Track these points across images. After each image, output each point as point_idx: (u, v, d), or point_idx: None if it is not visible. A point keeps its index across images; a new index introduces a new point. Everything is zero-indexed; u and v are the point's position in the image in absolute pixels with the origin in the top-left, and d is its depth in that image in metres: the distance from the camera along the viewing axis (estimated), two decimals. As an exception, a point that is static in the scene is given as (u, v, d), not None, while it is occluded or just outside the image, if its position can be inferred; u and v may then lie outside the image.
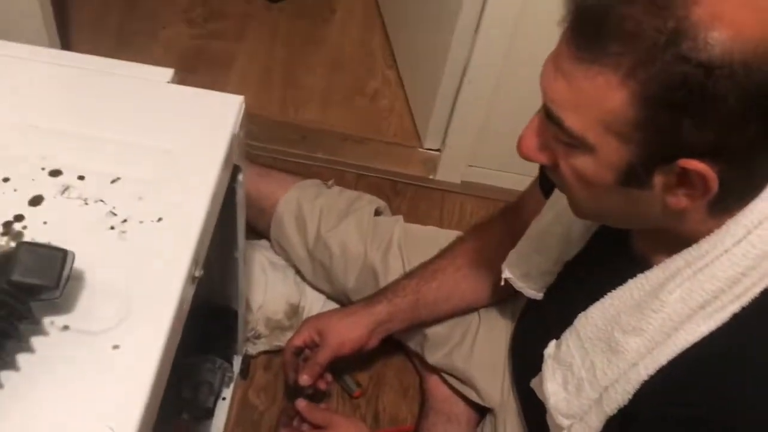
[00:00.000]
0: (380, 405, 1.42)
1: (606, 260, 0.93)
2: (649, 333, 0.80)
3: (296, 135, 1.82)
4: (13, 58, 0.89)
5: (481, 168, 1.76)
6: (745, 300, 0.75)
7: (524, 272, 1.09)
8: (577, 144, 0.72)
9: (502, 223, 1.27)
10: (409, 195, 1.77)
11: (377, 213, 1.44)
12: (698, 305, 0.77)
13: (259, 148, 1.74)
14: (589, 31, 0.67)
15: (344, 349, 1.23)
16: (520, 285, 1.10)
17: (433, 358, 1.32)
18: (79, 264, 0.68)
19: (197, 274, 0.76)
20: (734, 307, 0.75)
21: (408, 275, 1.28)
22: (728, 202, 0.73)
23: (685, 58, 0.62)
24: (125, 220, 0.76)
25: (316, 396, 1.30)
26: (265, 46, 2.01)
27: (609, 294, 0.87)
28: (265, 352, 1.42)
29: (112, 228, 0.75)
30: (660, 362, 0.79)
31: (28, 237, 0.73)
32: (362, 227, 1.39)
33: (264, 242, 1.49)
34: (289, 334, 1.36)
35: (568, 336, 0.92)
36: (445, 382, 1.34)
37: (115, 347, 0.67)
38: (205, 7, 2.07)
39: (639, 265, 0.84)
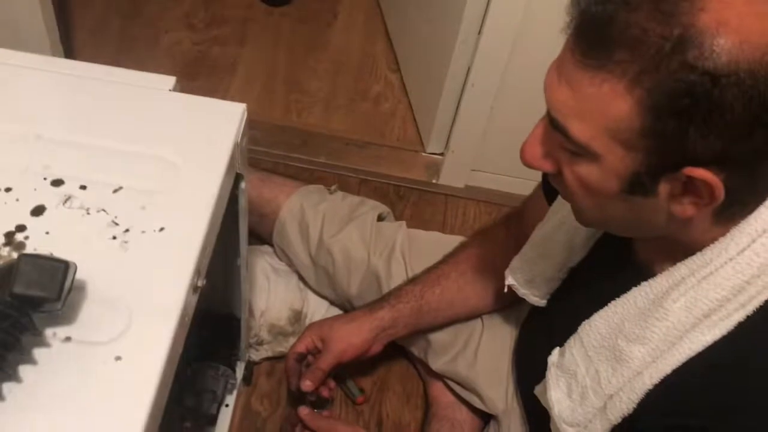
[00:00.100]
0: (384, 411, 1.41)
1: (609, 268, 0.92)
2: (654, 342, 0.80)
3: (298, 139, 1.82)
4: (16, 67, 0.89)
5: (484, 172, 1.75)
6: (749, 309, 0.75)
7: (528, 279, 1.09)
8: (581, 152, 0.71)
9: (505, 228, 1.27)
10: (413, 199, 1.77)
11: (380, 218, 1.44)
12: (702, 314, 0.76)
13: (261, 153, 1.74)
14: (593, 38, 0.67)
15: (347, 355, 1.23)
16: (523, 291, 1.10)
17: (436, 364, 1.32)
18: (81, 275, 0.68)
19: (200, 283, 0.76)
20: (739, 316, 0.75)
21: (411, 281, 1.28)
22: (733, 210, 0.73)
23: (691, 66, 0.62)
24: (127, 230, 0.76)
25: (318, 402, 1.30)
26: (268, 51, 2.01)
27: (613, 302, 0.86)
28: (268, 359, 1.42)
29: (114, 238, 0.75)
30: (664, 371, 0.78)
31: (30, 247, 0.73)
32: (365, 233, 1.38)
33: (266, 248, 1.49)
34: (292, 341, 1.36)
35: (572, 344, 0.91)
36: (449, 388, 1.33)
37: (118, 358, 0.67)
38: (207, 13, 2.07)
39: (642, 272, 0.84)
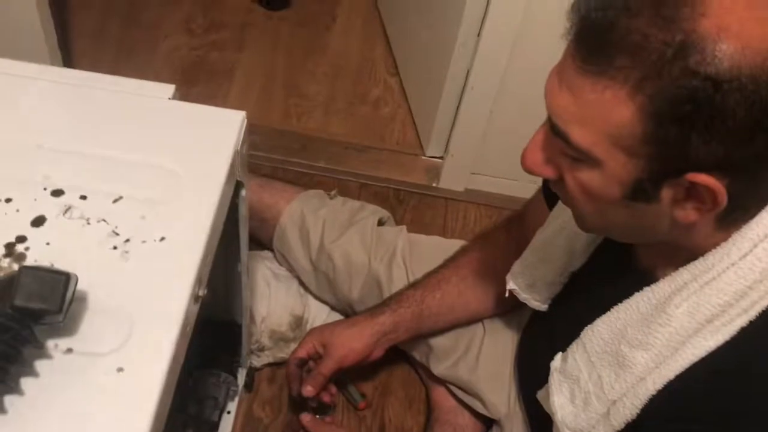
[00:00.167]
0: (386, 416, 1.41)
1: (611, 272, 0.92)
2: (656, 347, 0.80)
3: (298, 144, 1.82)
4: (14, 77, 0.89)
5: (484, 175, 1.75)
6: (752, 314, 0.74)
7: (529, 283, 1.08)
8: (583, 158, 0.71)
9: (506, 233, 1.26)
10: (413, 203, 1.77)
11: (380, 223, 1.44)
12: (705, 319, 0.76)
13: (260, 158, 1.74)
14: (594, 44, 0.66)
15: (348, 360, 1.23)
16: (524, 296, 1.09)
17: (438, 369, 1.31)
18: (82, 285, 0.67)
19: (201, 293, 0.76)
20: (741, 321, 0.75)
21: (412, 285, 1.28)
22: (735, 215, 0.73)
23: (694, 72, 0.62)
24: (128, 240, 0.76)
25: (320, 408, 1.29)
26: (266, 55, 2.01)
27: (615, 307, 0.86)
28: (270, 365, 1.42)
29: (115, 248, 0.75)
30: (668, 377, 0.78)
31: (30, 258, 0.73)
32: (365, 238, 1.38)
33: (267, 253, 1.49)
34: (293, 346, 1.36)
35: (575, 349, 0.91)
36: (451, 393, 1.33)
37: (120, 370, 0.67)
38: (206, 18, 2.07)
39: (644, 277, 0.84)
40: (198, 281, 0.75)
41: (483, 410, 1.27)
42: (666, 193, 0.70)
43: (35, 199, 0.78)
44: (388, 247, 1.37)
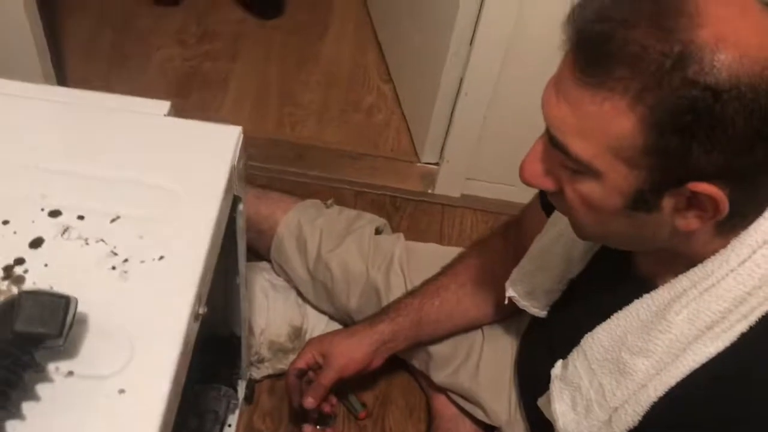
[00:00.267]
0: (387, 425, 1.41)
1: (610, 279, 0.92)
2: (657, 354, 0.80)
3: (293, 153, 1.82)
4: (9, 96, 0.89)
5: (480, 181, 1.75)
6: (752, 319, 0.75)
7: (528, 290, 1.08)
8: (583, 170, 0.71)
9: (503, 239, 1.26)
10: (409, 210, 1.77)
11: (377, 232, 1.44)
12: (705, 326, 0.76)
13: (255, 168, 1.73)
14: (592, 56, 0.66)
15: (348, 370, 1.23)
16: (524, 303, 1.10)
17: (438, 377, 1.31)
18: (81, 307, 0.67)
19: (201, 311, 0.76)
20: (741, 327, 0.75)
21: (410, 294, 1.28)
22: (734, 221, 0.73)
23: (693, 82, 0.62)
24: (126, 260, 0.75)
25: (321, 419, 1.29)
26: (260, 65, 2.01)
27: (615, 315, 0.86)
28: (269, 376, 1.42)
29: (114, 268, 0.75)
30: (669, 384, 0.79)
31: (29, 281, 0.73)
32: (363, 247, 1.38)
33: (264, 264, 1.49)
34: (292, 357, 1.35)
35: (575, 356, 0.91)
36: (452, 401, 1.33)
37: (121, 391, 0.67)
38: (198, 28, 2.07)
39: (643, 284, 0.84)
40: (198, 299, 0.74)
41: (484, 418, 1.27)
42: (667, 203, 0.70)
43: (33, 221, 0.77)
44: (386, 255, 1.37)
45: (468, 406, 1.30)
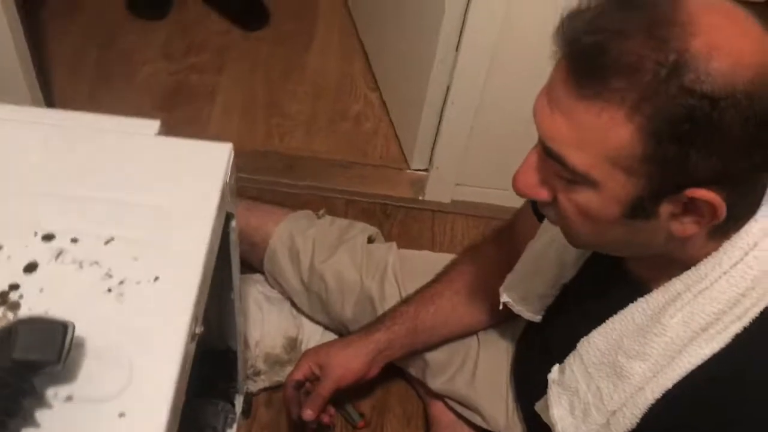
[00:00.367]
0: (385, 434, 1.41)
1: (604, 283, 0.93)
2: (653, 357, 0.80)
3: (282, 164, 1.82)
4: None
5: (469, 186, 1.76)
6: (746, 320, 0.75)
7: (522, 295, 1.09)
8: (579, 180, 0.71)
9: (496, 244, 1.27)
10: (400, 217, 1.77)
11: (370, 240, 1.44)
12: (700, 328, 0.77)
13: (245, 180, 1.73)
14: (588, 68, 0.67)
15: (346, 380, 1.23)
16: (518, 308, 1.10)
17: (435, 384, 1.32)
18: (78, 331, 0.67)
19: (198, 331, 0.76)
20: (735, 328, 0.76)
21: (405, 301, 1.28)
22: (728, 225, 0.74)
23: (690, 90, 0.62)
24: (122, 282, 0.75)
25: (320, 429, 1.29)
26: (246, 77, 2.01)
27: (610, 319, 0.87)
28: (266, 389, 1.42)
29: (109, 291, 0.75)
30: (666, 386, 0.79)
31: (24, 307, 0.72)
32: (356, 256, 1.38)
33: (257, 276, 1.49)
34: (288, 369, 1.35)
35: (572, 361, 0.92)
36: (450, 407, 1.33)
37: (121, 415, 0.66)
38: (183, 42, 2.06)
39: (637, 288, 0.85)
40: (194, 319, 0.74)
41: (482, 423, 1.27)
42: (664, 209, 0.71)
43: (26, 245, 0.77)
44: (379, 264, 1.37)
45: (465, 412, 1.30)
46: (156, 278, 0.76)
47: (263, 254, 1.43)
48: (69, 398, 0.67)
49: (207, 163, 0.86)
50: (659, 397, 0.80)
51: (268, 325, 1.42)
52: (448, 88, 1.57)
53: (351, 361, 1.23)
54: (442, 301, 1.26)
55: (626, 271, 0.88)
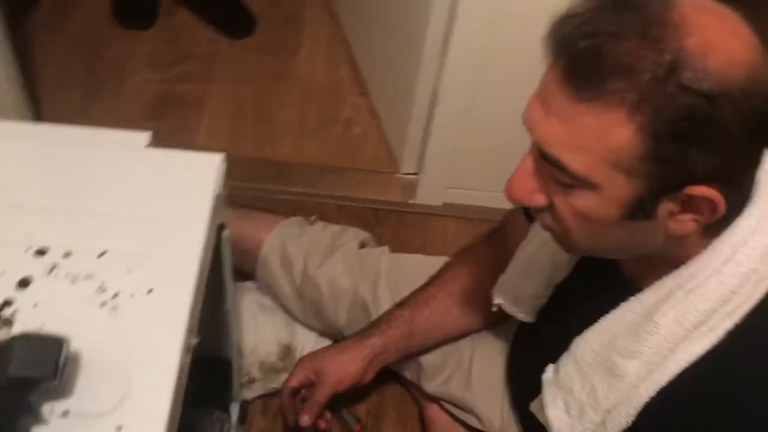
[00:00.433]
0: (382, 438, 1.41)
1: (596, 283, 0.93)
2: (647, 355, 0.81)
3: (273, 171, 1.82)
4: (-12, 136, 0.88)
5: (460, 189, 1.76)
6: (736, 317, 0.76)
7: (515, 297, 1.10)
8: (577, 183, 0.71)
9: (488, 246, 1.27)
10: (392, 221, 1.77)
11: (362, 245, 1.44)
12: (693, 325, 0.78)
13: (236, 188, 1.71)
14: (585, 72, 0.67)
15: (342, 385, 1.23)
16: (511, 309, 1.11)
17: (430, 387, 1.32)
18: (74, 345, 0.67)
19: (193, 342, 0.76)
20: (727, 325, 0.76)
21: (399, 305, 1.28)
22: (720, 223, 0.74)
23: (688, 89, 0.63)
24: (116, 295, 0.75)
25: (316, 436, 1.29)
26: (234, 85, 2.01)
27: (604, 318, 0.87)
28: (261, 396, 1.42)
29: (104, 304, 0.75)
30: (660, 383, 0.80)
31: (19, 322, 0.72)
32: (349, 262, 1.38)
33: (250, 284, 1.49)
34: (283, 376, 1.35)
35: (566, 361, 0.92)
36: (445, 410, 1.34)
37: (119, 429, 0.66)
38: (170, 51, 2.06)
39: (629, 287, 0.85)
40: (190, 330, 0.75)
41: (478, 425, 1.27)
42: (663, 209, 0.71)
43: (19, 260, 0.77)
44: (372, 269, 1.38)
45: (461, 414, 1.30)
46: (150, 290, 0.76)
47: (255, 262, 1.43)
48: (65, 414, 0.67)
49: (199, 174, 0.86)
50: (654, 395, 0.80)
51: (261, 332, 1.42)
52: (436, 92, 1.57)
53: (347, 367, 1.23)
54: (436, 304, 1.26)
55: (618, 270, 0.89)
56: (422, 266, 1.37)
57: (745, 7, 0.68)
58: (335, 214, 1.75)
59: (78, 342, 0.68)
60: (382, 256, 1.40)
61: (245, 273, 1.47)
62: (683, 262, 0.78)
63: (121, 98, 1.94)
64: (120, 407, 0.68)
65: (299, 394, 1.27)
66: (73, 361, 0.69)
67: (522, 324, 1.14)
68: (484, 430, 1.27)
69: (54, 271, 0.77)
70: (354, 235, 1.46)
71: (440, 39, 1.49)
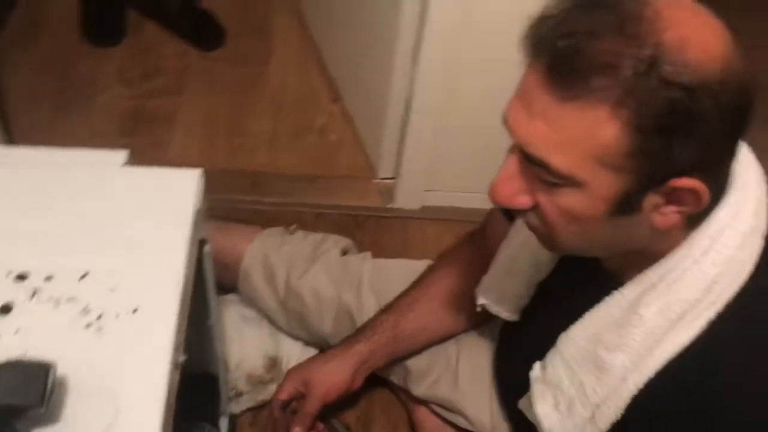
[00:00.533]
0: (373, 445, 1.41)
1: (578, 279, 0.94)
2: (633, 348, 0.81)
3: (248, 182, 1.81)
4: (-40, 162, 0.87)
5: (438, 191, 1.77)
6: (719, 305, 0.77)
7: (498, 297, 1.10)
8: (563, 182, 0.71)
9: (470, 248, 1.28)
10: (371, 227, 1.77)
11: (344, 253, 1.44)
12: (676, 316, 0.78)
13: (212, 201, 1.71)
14: (567, 71, 0.67)
15: (331, 395, 1.23)
16: (495, 309, 1.11)
17: (418, 390, 1.32)
18: (60, 370, 0.66)
19: (180, 359, 0.75)
20: (710, 314, 0.77)
21: (384, 311, 1.28)
22: (701, 215, 0.75)
23: (670, 82, 0.64)
24: (100, 316, 0.75)
25: (308, 447, 1.29)
26: (206, 97, 2.00)
27: (588, 313, 0.88)
28: (250, 409, 1.41)
29: (88, 326, 0.74)
30: (647, 375, 0.80)
31: (1, 349, 0.71)
32: (332, 270, 1.38)
33: (232, 296, 1.48)
34: (270, 388, 1.35)
35: (553, 357, 0.93)
36: (434, 412, 1.34)
37: (110, 451, 0.66)
38: (140, 66, 2.04)
39: (611, 282, 0.86)
40: (176, 348, 0.74)
41: (467, 425, 1.28)
42: (648, 202, 0.72)
43: (-1, 287, 0.76)
44: (355, 276, 1.37)
45: (450, 416, 1.31)
46: (134, 310, 0.75)
47: (236, 275, 1.42)
48: (54, 439, 0.66)
49: (178, 191, 0.86)
50: (642, 387, 0.81)
51: (247, 345, 1.41)
52: (410, 95, 1.57)
53: (335, 376, 1.23)
54: (420, 307, 1.26)
55: (599, 266, 0.89)
56: (405, 271, 1.36)
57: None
58: (313, 222, 1.74)
59: (64, 366, 0.68)
60: (364, 263, 1.40)
61: (227, 287, 1.46)
62: (662, 255, 0.79)
63: (92, 115, 1.92)
64: (110, 430, 0.67)
65: (290, 406, 1.27)
66: (60, 386, 0.68)
67: (506, 323, 1.15)
68: (473, 430, 1.27)
69: (36, 296, 0.76)
70: (335, 242, 1.46)
71: (411, 44, 1.50)
